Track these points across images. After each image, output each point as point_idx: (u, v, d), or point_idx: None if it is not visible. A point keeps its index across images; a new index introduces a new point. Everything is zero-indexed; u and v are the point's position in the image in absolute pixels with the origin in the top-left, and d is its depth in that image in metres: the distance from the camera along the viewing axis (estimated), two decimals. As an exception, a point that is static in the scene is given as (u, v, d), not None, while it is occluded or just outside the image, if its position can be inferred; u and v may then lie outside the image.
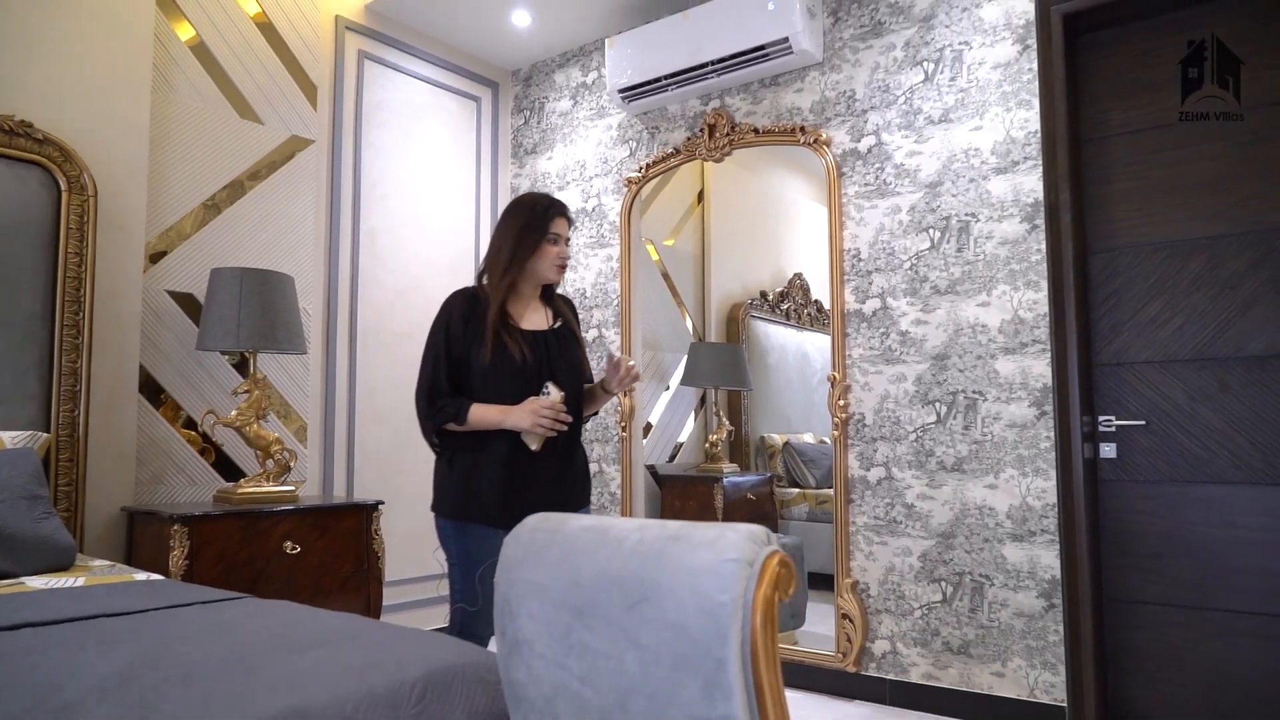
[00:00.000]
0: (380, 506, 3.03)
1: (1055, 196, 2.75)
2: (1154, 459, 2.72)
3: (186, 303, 3.00)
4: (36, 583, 1.97)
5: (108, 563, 2.31)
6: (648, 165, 3.75)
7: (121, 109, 2.78)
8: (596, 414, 2.48)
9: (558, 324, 2.21)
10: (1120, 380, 2.79)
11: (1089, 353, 2.82)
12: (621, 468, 3.76)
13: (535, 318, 2.19)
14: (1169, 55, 2.75)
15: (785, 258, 4.30)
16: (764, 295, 4.54)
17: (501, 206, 4.28)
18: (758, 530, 1.06)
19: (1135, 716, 2.71)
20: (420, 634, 1.51)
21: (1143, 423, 2.73)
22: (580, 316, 3.96)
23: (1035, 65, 2.81)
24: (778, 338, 4.66)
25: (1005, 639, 2.76)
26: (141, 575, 2.11)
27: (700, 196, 4.47)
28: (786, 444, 4.51)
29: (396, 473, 3.68)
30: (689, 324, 4.35)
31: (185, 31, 3.06)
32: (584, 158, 4.04)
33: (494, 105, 4.26)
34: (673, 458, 4.19)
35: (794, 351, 4.69)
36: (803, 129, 3.28)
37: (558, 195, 4.12)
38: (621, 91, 3.65)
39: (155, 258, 2.94)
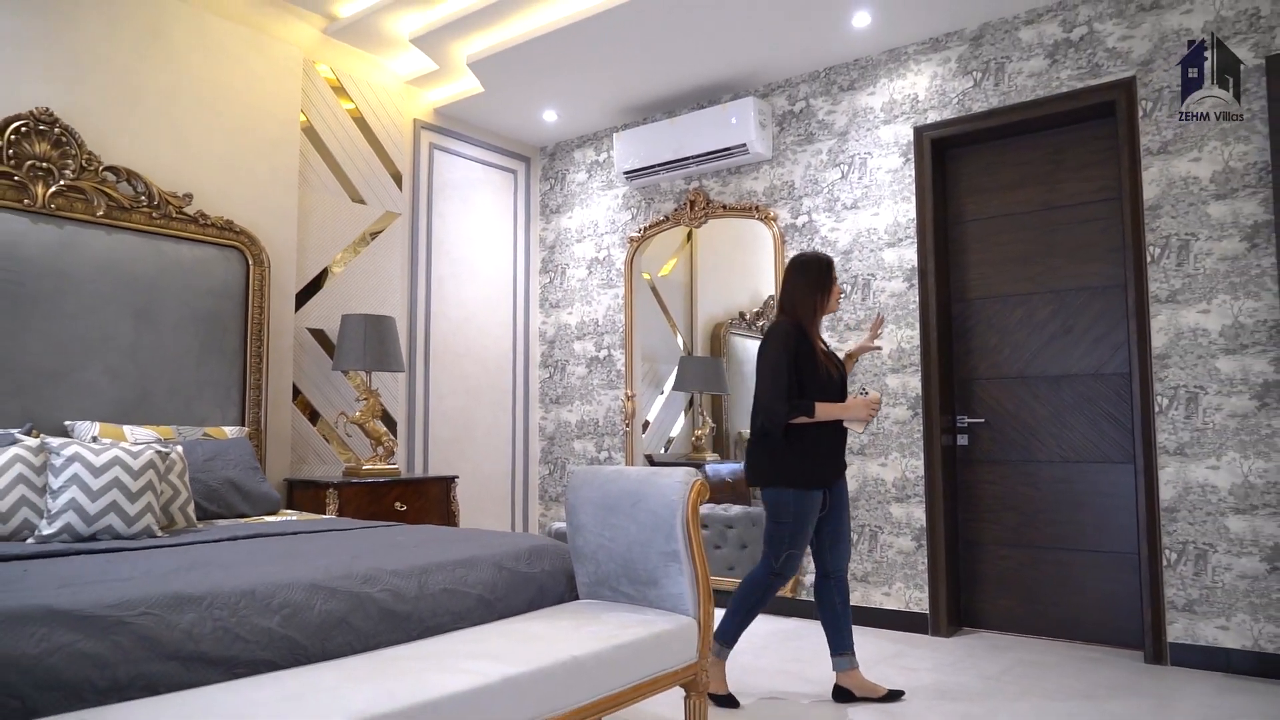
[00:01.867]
0: (456, 480, 4.27)
1: (925, 264, 3.98)
2: (991, 446, 3.96)
3: (319, 336, 4.25)
4: (270, 519, 3.21)
5: (294, 512, 3.55)
6: (645, 228, 4.99)
7: (281, 204, 4.02)
8: None
9: (829, 347, 3.03)
10: (970, 391, 4.03)
11: (949, 371, 4.05)
12: (626, 455, 4.99)
13: (821, 344, 2.96)
14: (1006, 168, 3.98)
15: (760, 284, 5.01)
16: (742, 315, 5.02)
17: (533, 255, 5.51)
18: (692, 470, 2.31)
19: (975, 620, 3.95)
20: (518, 533, 2.74)
21: (984, 420, 3.97)
22: (594, 340, 5.18)
23: (914, 172, 4.04)
24: (753, 351, 5.70)
25: (891, 570, 3.99)
26: (326, 517, 3.35)
27: (689, 235, 5.58)
28: (757, 438, 5.63)
29: (457, 457, 4.92)
30: (679, 340, 5.33)
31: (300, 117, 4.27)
32: (596, 218, 5.27)
33: (527, 176, 5.50)
34: (666, 449, 5.07)
35: (764, 363, 5.75)
36: (757, 207, 4.52)
37: (575, 247, 5.36)
38: (626, 173, 4.88)
39: (298, 305, 4.18)
